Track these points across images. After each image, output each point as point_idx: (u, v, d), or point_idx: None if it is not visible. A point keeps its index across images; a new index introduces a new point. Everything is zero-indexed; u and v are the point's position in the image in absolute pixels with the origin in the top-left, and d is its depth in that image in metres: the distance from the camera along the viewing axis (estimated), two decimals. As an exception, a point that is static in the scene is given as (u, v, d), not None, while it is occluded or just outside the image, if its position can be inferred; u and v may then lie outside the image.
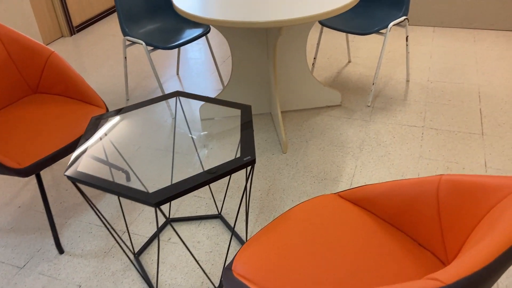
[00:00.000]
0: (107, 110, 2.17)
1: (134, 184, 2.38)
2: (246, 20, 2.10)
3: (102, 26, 4.60)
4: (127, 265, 1.92)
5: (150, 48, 2.78)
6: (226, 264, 1.88)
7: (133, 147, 2.54)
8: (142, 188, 2.30)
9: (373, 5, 3.03)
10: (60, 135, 1.97)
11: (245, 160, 1.48)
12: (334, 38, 3.92)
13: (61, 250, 2.00)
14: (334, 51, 3.67)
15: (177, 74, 3.50)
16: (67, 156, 2.66)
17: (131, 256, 1.96)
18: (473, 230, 1.08)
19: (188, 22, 3.07)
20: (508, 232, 0.83)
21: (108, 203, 2.27)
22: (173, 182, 2.34)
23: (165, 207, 2.21)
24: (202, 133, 2.87)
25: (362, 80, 3.20)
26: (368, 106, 2.90)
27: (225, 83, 3.30)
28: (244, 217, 2.13)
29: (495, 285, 1.71)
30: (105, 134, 1.79)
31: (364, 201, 1.43)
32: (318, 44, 3.25)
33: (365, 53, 3.60)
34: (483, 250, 0.82)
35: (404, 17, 2.81)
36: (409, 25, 4.06)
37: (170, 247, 2.00)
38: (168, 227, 2.11)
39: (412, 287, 0.78)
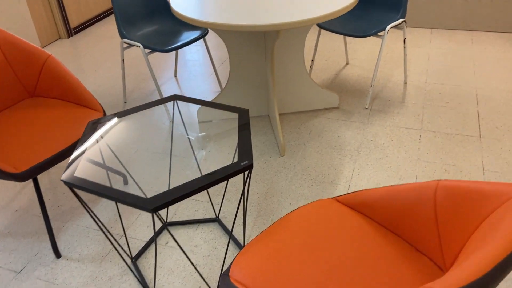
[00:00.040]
0: (104, 113, 2.17)
1: (132, 187, 2.37)
2: (244, 23, 2.09)
3: (100, 28, 4.59)
4: (124, 269, 1.91)
5: (147, 50, 2.77)
6: (224, 268, 1.88)
7: (131, 150, 2.53)
8: (139, 192, 2.29)
9: (370, 7, 3.03)
10: (57, 139, 1.96)
11: (243, 165, 1.47)
12: (332, 40, 3.92)
13: (58, 255, 2.00)
14: (332, 53, 3.67)
15: (175, 76, 3.49)
16: (65, 160, 2.66)
17: (129, 261, 1.95)
18: (471, 237, 1.07)
19: (186, 24, 3.07)
20: (505, 241, 0.83)
21: (105, 206, 2.27)
22: (171, 186, 2.34)
23: (162, 211, 2.21)
24: (199, 134, 2.87)
25: (360, 82, 3.20)
26: (366, 108, 2.90)
27: (223, 85, 3.30)
28: (242, 221, 2.12)
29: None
30: (102, 138, 1.78)
31: (361, 206, 1.43)
32: (316, 46, 3.25)
33: (363, 55, 3.60)
34: (481, 259, 0.82)
35: (402, 20, 2.81)
36: (406, 27, 4.06)
37: (168, 251, 1.99)
38: (166, 230, 2.10)
39: (409, 296, 0.78)
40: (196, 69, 3.57)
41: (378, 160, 2.44)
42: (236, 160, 1.51)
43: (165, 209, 2.22)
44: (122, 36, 2.86)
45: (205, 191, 2.31)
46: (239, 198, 2.26)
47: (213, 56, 3.79)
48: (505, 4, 3.69)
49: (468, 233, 1.10)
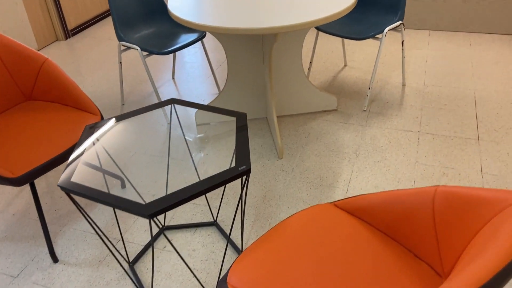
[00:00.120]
0: (102, 117, 2.16)
1: (129, 190, 2.37)
2: (242, 26, 2.09)
3: (98, 30, 4.58)
4: (121, 274, 1.91)
5: (145, 53, 2.76)
6: (222, 273, 1.87)
7: (128, 153, 2.53)
8: (136, 195, 2.29)
9: (368, 10, 3.03)
10: (54, 143, 1.95)
11: (240, 170, 1.46)
12: (330, 42, 3.92)
13: (55, 259, 1.99)
14: (330, 55, 3.66)
15: (173, 78, 3.48)
16: (62, 163, 2.65)
17: (126, 265, 1.94)
18: (469, 243, 1.07)
19: (184, 26, 3.06)
20: (506, 248, 0.82)
21: (102, 210, 2.26)
22: (168, 189, 2.33)
23: (160, 215, 2.20)
24: (197, 135, 2.86)
25: (358, 84, 3.19)
26: (364, 110, 2.89)
27: (221, 87, 3.29)
28: (240, 225, 2.12)
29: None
30: (100, 142, 1.77)
31: (360, 211, 1.43)
32: (314, 48, 3.24)
33: (361, 57, 3.60)
34: (481, 267, 0.82)
35: (400, 22, 2.80)
36: (404, 29, 4.06)
37: (165, 256, 1.98)
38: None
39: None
40: (194, 71, 3.57)
41: (376, 163, 2.44)
42: (233, 164, 1.50)
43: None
44: (120, 38, 2.85)
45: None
46: (237, 202, 2.25)
47: (211, 58, 3.78)
48: (503, 6, 3.69)
49: (466, 240, 1.09)
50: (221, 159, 2.53)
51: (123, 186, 2.36)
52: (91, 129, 1.75)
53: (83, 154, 1.64)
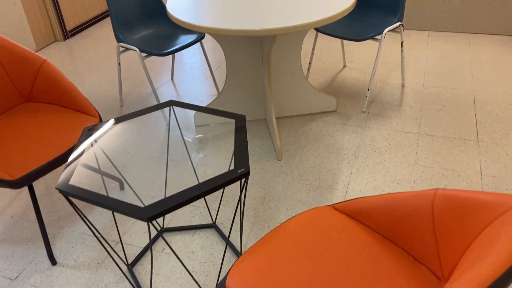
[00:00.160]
0: (100, 118, 2.15)
1: (128, 192, 2.36)
2: (241, 28, 2.08)
3: (96, 30, 4.57)
4: (120, 276, 1.90)
5: (144, 54, 2.76)
6: (220, 276, 1.87)
7: (127, 154, 2.52)
8: (135, 198, 2.28)
9: (368, 11, 3.03)
10: (53, 145, 1.95)
11: (239, 173, 1.46)
12: (329, 42, 3.91)
13: (53, 262, 1.98)
14: (329, 56, 3.66)
15: (172, 79, 3.48)
16: (61, 165, 2.64)
17: (125, 268, 1.94)
18: (469, 247, 1.06)
19: (182, 28, 3.05)
20: (506, 254, 0.82)
21: (101, 212, 2.25)
22: (167, 191, 2.32)
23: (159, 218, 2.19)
24: (196, 136, 2.86)
25: (357, 85, 3.19)
26: (363, 112, 2.89)
27: (220, 88, 3.28)
28: (239, 227, 2.11)
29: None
30: (98, 144, 1.77)
31: (359, 214, 1.42)
32: (313, 49, 3.24)
33: (360, 58, 3.60)
34: (481, 272, 0.81)
35: (399, 23, 2.80)
36: (404, 30, 4.06)
37: (164, 258, 1.98)
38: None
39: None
40: (193, 72, 3.56)
41: (375, 164, 2.43)
42: (232, 167, 1.50)
43: (162, 214, 2.20)
44: (119, 40, 2.84)
45: (202, 196, 2.29)
46: (236, 203, 2.25)
47: (209, 59, 3.78)
48: (502, 7, 3.69)
49: (466, 243, 1.09)
50: (220, 160, 2.52)
51: (121, 188, 2.35)
52: (89, 132, 1.75)
53: (82, 156, 1.63)
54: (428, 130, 2.67)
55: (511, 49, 3.55)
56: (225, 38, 2.60)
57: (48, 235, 2.13)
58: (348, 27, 2.88)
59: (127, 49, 2.82)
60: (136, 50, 2.74)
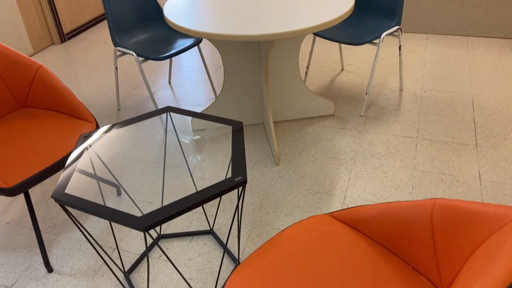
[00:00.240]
0: (97, 124, 2.13)
1: (125, 198, 2.34)
2: (238, 33, 2.07)
3: (93, 33, 4.56)
4: (117, 284, 1.88)
5: (141, 58, 2.74)
6: (218, 283, 1.85)
7: (124, 160, 2.50)
8: (132, 204, 2.27)
9: (365, 14, 3.02)
10: (49, 151, 1.93)
11: (237, 181, 1.45)
12: (327, 46, 3.90)
13: (50, 269, 1.96)
14: (327, 59, 3.65)
15: (169, 83, 3.46)
16: (57, 172, 2.62)
17: (121, 275, 1.92)
18: (469, 259, 1.05)
19: (180, 32, 3.04)
20: (507, 271, 0.81)
21: (98, 218, 2.23)
22: (164, 197, 2.30)
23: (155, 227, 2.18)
24: (194, 137, 2.84)
25: (355, 89, 3.18)
26: (362, 116, 2.88)
27: (218, 92, 3.27)
28: (237, 233, 2.10)
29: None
30: (94, 150, 1.75)
31: (357, 222, 1.41)
32: (311, 52, 3.23)
33: (358, 61, 3.59)
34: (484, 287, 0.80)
35: (397, 27, 2.79)
36: (402, 33, 4.05)
37: (161, 265, 1.96)
38: (159, 243, 2.08)
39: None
40: (190, 76, 3.55)
41: (374, 169, 2.42)
42: (229, 175, 1.49)
43: (159, 221, 2.19)
44: (116, 44, 2.83)
45: (199, 202, 2.28)
46: (233, 209, 2.23)
47: (207, 62, 3.76)
48: (500, 10, 3.69)
49: (466, 254, 1.07)
50: (218, 165, 2.51)
51: (118, 193, 2.34)
52: (85, 138, 1.73)
53: (78, 163, 1.62)
54: (427, 134, 2.66)
55: (509, 53, 3.54)
56: (222, 42, 2.58)
57: (44, 242, 2.11)
58: (346, 31, 2.87)
59: (124, 53, 2.80)
60: (133, 55, 2.73)
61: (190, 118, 2.92)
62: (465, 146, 2.54)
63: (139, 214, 1.36)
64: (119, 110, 3.14)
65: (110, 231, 2.15)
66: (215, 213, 2.21)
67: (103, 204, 1.42)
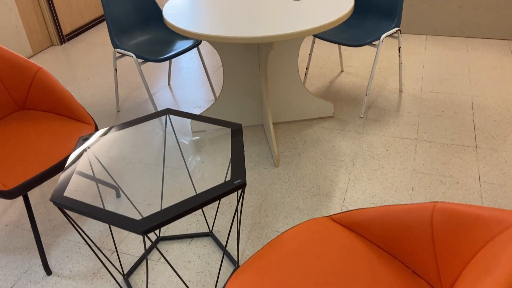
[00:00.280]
0: (96, 127, 2.13)
1: (124, 200, 2.34)
2: (237, 35, 2.07)
3: (93, 35, 4.55)
4: (116, 287, 1.88)
5: (140, 60, 2.74)
6: (217, 286, 1.85)
7: (123, 162, 2.50)
8: (131, 206, 2.26)
9: (365, 16, 3.01)
10: (48, 154, 1.93)
11: (236, 184, 1.44)
12: (327, 47, 3.90)
13: (48, 271, 1.96)
14: (326, 60, 3.65)
15: (169, 84, 3.46)
16: (56, 174, 2.62)
17: (120, 278, 1.92)
18: (470, 262, 1.05)
19: (179, 33, 3.03)
20: (509, 273, 0.80)
21: (97, 220, 2.23)
22: (163, 199, 2.30)
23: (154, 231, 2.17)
24: (193, 138, 2.84)
25: (355, 90, 3.18)
26: (361, 117, 2.87)
27: (217, 93, 3.27)
28: (236, 235, 2.09)
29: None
30: (93, 152, 1.75)
31: (357, 225, 1.41)
32: (310, 54, 3.23)
33: (357, 62, 3.58)
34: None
35: (397, 29, 2.79)
36: (401, 33, 4.05)
37: (161, 267, 1.96)
38: (158, 245, 2.07)
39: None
40: (190, 77, 3.54)
41: (373, 171, 2.42)
42: (229, 178, 1.48)
43: (158, 223, 2.18)
44: (115, 45, 2.82)
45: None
46: (233, 211, 2.23)
47: (206, 63, 3.76)
48: (499, 11, 3.69)
49: (466, 258, 1.07)
50: (217, 167, 2.50)
51: (118, 195, 2.34)
52: (84, 141, 1.73)
53: (77, 165, 1.61)
54: (426, 136, 2.66)
55: (508, 54, 3.54)
56: (221, 44, 2.58)
57: (43, 244, 2.11)
58: (345, 33, 2.86)
59: (124, 55, 2.80)
60: (132, 56, 2.72)
61: (189, 120, 2.92)
62: (464, 147, 2.54)
63: (138, 217, 1.36)
64: (118, 111, 3.14)
65: (109, 233, 2.15)
66: (215, 215, 2.21)
67: (102, 206, 1.42)
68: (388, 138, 2.66)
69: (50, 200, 1.43)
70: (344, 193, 2.29)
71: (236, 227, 2.14)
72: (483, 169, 2.37)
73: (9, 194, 1.74)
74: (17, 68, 2.15)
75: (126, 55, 2.76)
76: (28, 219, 2.26)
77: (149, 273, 1.93)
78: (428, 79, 3.27)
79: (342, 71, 3.47)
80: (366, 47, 3.84)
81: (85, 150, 1.70)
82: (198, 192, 1.42)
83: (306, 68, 3.32)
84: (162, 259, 2.00)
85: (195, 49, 4.08)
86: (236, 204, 2.25)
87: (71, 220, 1.54)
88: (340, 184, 2.35)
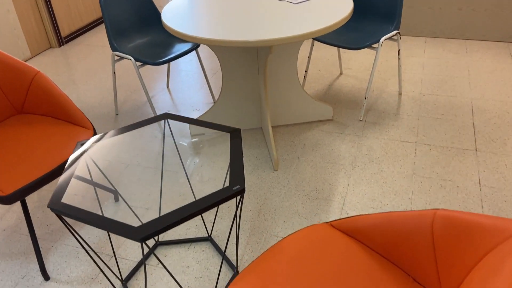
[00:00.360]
0: (94, 131, 2.12)
1: (123, 204, 2.33)
2: (236, 39, 2.06)
3: (91, 37, 4.54)
4: (114, 292, 1.87)
5: (139, 63, 2.73)
6: (216, 291, 1.84)
7: (121, 166, 2.49)
8: (129, 211, 2.25)
9: (364, 19, 3.00)
10: (46, 158, 1.91)
11: (235, 190, 1.43)
12: (326, 49, 3.89)
13: (46, 277, 1.95)
14: (325, 63, 3.64)
15: (167, 87, 3.45)
16: (54, 179, 2.60)
17: (119, 283, 1.91)
18: (471, 271, 1.04)
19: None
20: (511, 282, 0.79)
21: (95, 225, 2.22)
22: (162, 204, 2.29)
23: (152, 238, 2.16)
24: (192, 140, 2.83)
25: (354, 93, 3.17)
26: (360, 120, 2.86)
27: (216, 96, 3.26)
28: (235, 240, 2.08)
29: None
30: (92, 156, 1.74)
31: (357, 232, 1.39)
32: (309, 56, 3.22)
33: (356, 65, 3.57)
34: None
35: (396, 31, 2.78)
36: (401, 36, 4.04)
37: (159, 273, 1.95)
38: (157, 250, 2.06)
39: None
40: (188, 80, 3.53)
41: (373, 174, 2.41)
42: (227, 183, 1.47)
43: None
44: (113, 48, 2.81)
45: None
46: (232, 215, 2.22)
47: (205, 66, 3.75)
48: (499, 13, 3.68)
49: (468, 267, 1.06)
50: (216, 170, 2.49)
51: (116, 199, 2.32)
52: (82, 146, 1.72)
53: (75, 170, 1.60)
54: (426, 139, 2.65)
55: (508, 56, 3.54)
56: (220, 47, 2.57)
57: (41, 249, 2.09)
58: (345, 36, 2.86)
59: (122, 58, 2.79)
60: (131, 60, 2.71)
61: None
62: (464, 151, 2.53)
63: (136, 221, 1.35)
64: (117, 114, 3.13)
65: (108, 237, 2.14)
66: (213, 219, 2.20)
67: (100, 211, 1.41)
68: (387, 141, 2.65)
69: (48, 206, 1.42)
70: (343, 197, 2.28)
71: (235, 231, 2.13)
72: (483, 173, 2.37)
73: (7, 200, 1.72)
74: (15, 72, 2.14)
75: (125, 58, 2.75)
76: (26, 223, 2.25)
77: (147, 279, 1.92)
78: (427, 81, 3.26)
79: (341, 73, 3.46)
80: (366, 50, 3.83)
81: (83, 155, 1.68)
82: (196, 197, 1.41)
83: (305, 71, 3.31)
84: (161, 264, 1.98)
85: (194, 52, 4.07)
86: (235, 209, 2.24)
87: (68, 226, 1.53)
88: (339, 188, 2.34)
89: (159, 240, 2.11)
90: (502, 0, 3.62)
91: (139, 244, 2.09)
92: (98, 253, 2.07)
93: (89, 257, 2.04)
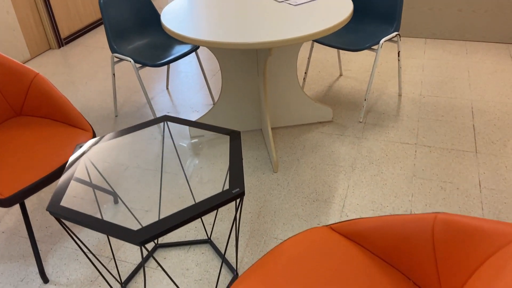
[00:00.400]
0: (94, 133, 2.11)
1: (122, 207, 2.32)
2: (235, 41, 2.05)
3: (91, 38, 4.53)
4: (113, 295, 1.86)
5: (138, 65, 2.72)
6: (216, 294, 1.83)
7: (121, 168, 2.48)
8: (128, 213, 2.24)
9: (364, 20, 3.00)
10: (45, 161, 1.91)
11: (234, 193, 1.43)
12: (326, 51, 3.89)
13: (45, 279, 1.94)
14: (325, 64, 3.63)
15: (167, 88, 3.44)
16: (53, 181, 2.60)
17: (118, 286, 1.90)
18: (472, 275, 1.03)
19: (177, 37, 3.02)
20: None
21: (95, 227, 2.21)
22: (161, 206, 2.28)
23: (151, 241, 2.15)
24: (192, 141, 2.82)
25: (354, 95, 3.16)
26: (360, 122, 2.86)
27: (215, 98, 3.25)
28: (234, 242, 2.08)
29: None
30: (91, 158, 1.73)
31: (357, 235, 1.39)
32: (309, 58, 3.21)
33: (356, 66, 3.57)
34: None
35: (396, 33, 2.77)
36: (401, 37, 4.04)
37: (158, 275, 1.94)
38: (156, 252, 2.06)
39: None
40: (188, 81, 3.53)
41: (373, 176, 2.40)
42: (227, 186, 1.47)
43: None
44: (113, 50, 2.81)
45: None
46: (231, 218, 2.21)
47: (205, 67, 3.74)
48: (499, 15, 3.68)
49: (469, 271, 1.06)
50: (215, 172, 2.49)
51: (115, 201, 2.32)
52: (81, 148, 1.71)
53: (74, 172, 1.60)
54: (426, 141, 2.64)
55: (508, 57, 3.53)
56: (220, 49, 2.56)
57: (40, 252, 2.09)
58: (344, 37, 2.85)
59: (122, 59, 2.78)
60: (130, 61, 2.71)
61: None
62: (464, 153, 2.53)
63: (136, 224, 1.34)
64: (116, 116, 3.12)
65: (107, 240, 2.13)
66: (213, 222, 2.19)
67: (99, 213, 1.41)
68: (387, 143, 2.65)
69: (47, 210, 1.41)
70: (343, 199, 2.27)
71: (234, 234, 2.12)
72: (483, 175, 2.36)
73: (6, 202, 1.72)
74: (14, 74, 2.13)
75: (124, 59, 2.75)
76: (25, 226, 2.25)
77: (147, 281, 1.91)
78: (427, 83, 3.25)
79: (341, 75, 3.46)
80: (365, 51, 3.83)
81: (82, 156, 1.68)
82: (196, 200, 1.41)
83: (305, 72, 3.30)
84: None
85: (194, 53, 4.06)
86: (235, 211, 2.24)
87: (67, 229, 1.53)
88: (339, 190, 2.33)
89: (159, 242, 2.10)
90: (502, 1, 3.62)
91: (138, 246, 2.09)
92: (97, 256, 2.06)
93: (88, 259, 2.04)
